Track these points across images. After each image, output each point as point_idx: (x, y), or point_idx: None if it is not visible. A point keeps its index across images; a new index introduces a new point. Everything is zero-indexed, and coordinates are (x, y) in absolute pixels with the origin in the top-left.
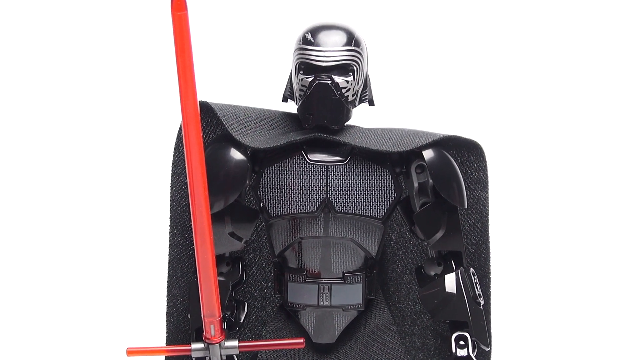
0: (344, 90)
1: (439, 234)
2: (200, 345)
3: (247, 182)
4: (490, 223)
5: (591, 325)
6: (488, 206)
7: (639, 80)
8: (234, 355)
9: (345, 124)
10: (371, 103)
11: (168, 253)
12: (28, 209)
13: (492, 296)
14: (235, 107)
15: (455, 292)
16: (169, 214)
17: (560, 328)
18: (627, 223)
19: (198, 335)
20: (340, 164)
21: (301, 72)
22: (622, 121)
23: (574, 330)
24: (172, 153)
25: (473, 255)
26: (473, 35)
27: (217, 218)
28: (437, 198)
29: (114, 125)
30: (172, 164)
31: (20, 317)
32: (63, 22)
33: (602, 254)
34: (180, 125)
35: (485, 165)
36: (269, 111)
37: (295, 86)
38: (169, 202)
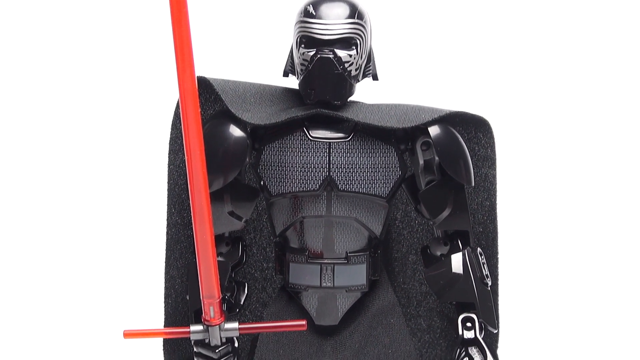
0: (346, 65)
1: (445, 213)
2: (199, 328)
3: (247, 159)
4: (498, 201)
5: (602, 308)
6: (496, 184)
7: None
8: (234, 338)
9: (348, 100)
10: (375, 78)
11: (166, 233)
12: (24, 191)
13: (499, 277)
14: (234, 82)
15: (462, 272)
16: (166, 192)
17: (571, 309)
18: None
19: (197, 317)
20: (343, 141)
21: (302, 45)
22: (632, 97)
23: (585, 312)
24: (170, 130)
25: (480, 235)
26: (480, 8)
27: (216, 197)
28: (444, 176)
29: (110, 102)
30: (170, 141)
31: (17, 297)
32: None
33: (614, 231)
34: (178, 102)
35: (493, 142)
36: (269, 86)
37: (296, 60)
38: (167, 180)
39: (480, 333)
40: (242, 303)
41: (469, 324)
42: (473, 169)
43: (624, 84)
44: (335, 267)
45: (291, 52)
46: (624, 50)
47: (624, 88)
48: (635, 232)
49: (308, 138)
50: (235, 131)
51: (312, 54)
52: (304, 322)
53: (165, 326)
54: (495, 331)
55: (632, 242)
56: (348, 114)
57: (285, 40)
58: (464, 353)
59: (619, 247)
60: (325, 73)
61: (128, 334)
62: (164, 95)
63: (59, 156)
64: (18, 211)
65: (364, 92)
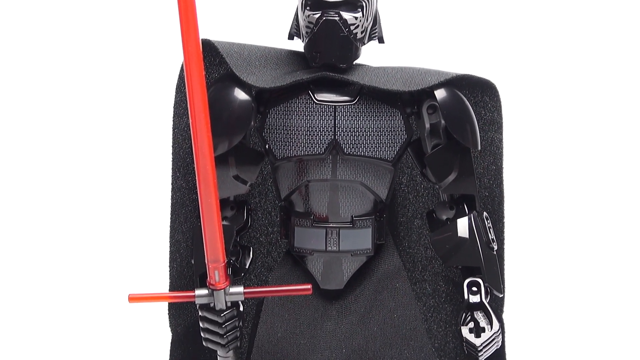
0: (352, 27)
1: (451, 177)
2: (204, 292)
3: (252, 123)
4: (504, 166)
5: (606, 268)
6: (502, 148)
7: None
8: (239, 302)
9: (354, 63)
10: (381, 40)
11: (170, 197)
12: (26, 161)
13: (505, 241)
14: (239, 45)
15: (467, 236)
16: (171, 156)
17: (577, 271)
18: None
19: (202, 281)
20: (349, 104)
21: (308, 8)
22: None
23: (591, 273)
24: (174, 93)
25: (486, 199)
26: None
27: (221, 160)
28: (450, 139)
29: (115, 66)
30: (174, 105)
31: (22, 261)
32: None
33: (620, 193)
34: (182, 65)
35: (500, 106)
36: (275, 49)
37: (301, 23)
38: (171, 144)
39: (486, 297)
40: (247, 267)
41: (474, 289)
42: (479, 132)
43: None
44: (341, 231)
45: (296, 14)
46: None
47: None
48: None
49: (313, 101)
50: (240, 94)
51: (317, 16)
52: (309, 286)
53: (170, 290)
54: (501, 295)
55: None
56: (354, 77)
57: (290, 2)
58: (469, 317)
59: (625, 208)
60: (330, 36)
61: (133, 298)
62: (169, 59)
63: (66, 116)
64: (24, 183)
65: (370, 55)
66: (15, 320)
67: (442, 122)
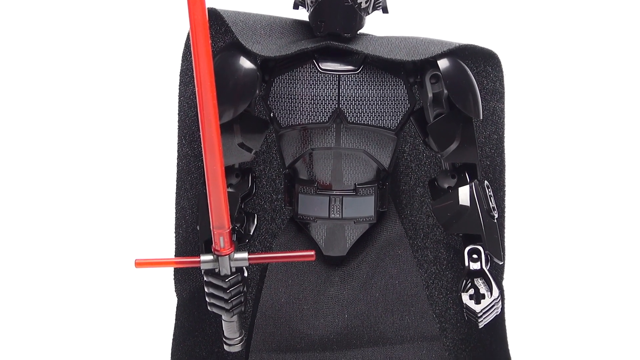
0: None
1: (453, 146)
2: (209, 257)
3: (257, 91)
4: (506, 135)
5: (603, 241)
6: (504, 117)
7: None
8: (244, 268)
9: (358, 32)
10: (385, 10)
11: (176, 164)
12: (30, 142)
13: (506, 209)
14: (244, 14)
15: (469, 204)
16: (177, 124)
17: (577, 239)
18: None
19: (207, 247)
20: (353, 73)
21: None
22: None
23: (590, 242)
24: (180, 62)
25: (488, 168)
26: None
27: (226, 128)
28: (452, 109)
29: (121, 36)
30: (180, 73)
31: (38, 224)
32: None
33: (620, 166)
34: (188, 33)
35: (502, 76)
36: (280, 18)
37: None
38: (177, 112)
39: (486, 265)
40: (251, 234)
41: (475, 256)
42: (481, 102)
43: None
44: (344, 198)
45: None
46: None
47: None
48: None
49: (318, 70)
50: (246, 63)
51: None
52: (312, 253)
53: (176, 256)
54: (501, 263)
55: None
56: (358, 46)
57: None
58: (469, 284)
59: (626, 175)
60: (335, 5)
61: (140, 264)
62: (175, 27)
63: (76, 85)
64: (34, 155)
65: (374, 25)
66: (27, 288)
67: (445, 91)
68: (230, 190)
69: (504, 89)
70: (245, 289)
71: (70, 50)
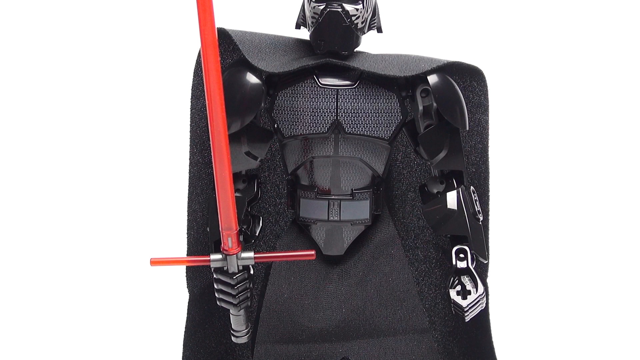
0: (353, 18)
1: (442, 154)
2: (218, 256)
3: (262, 104)
4: (490, 144)
5: (581, 242)
6: (488, 129)
7: None
8: (250, 266)
9: (355, 50)
10: (379, 30)
11: (188, 170)
12: (48, 140)
13: (490, 212)
14: (251, 33)
15: (456, 208)
16: (189, 134)
17: (556, 239)
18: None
19: (216, 247)
20: (350, 88)
21: (313, 0)
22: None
23: (568, 242)
24: (192, 77)
25: (473, 175)
26: None
27: (234, 138)
28: (441, 120)
29: (139, 53)
30: (192, 87)
31: (45, 233)
32: None
33: (598, 168)
34: (200, 51)
35: (486, 90)
36: (283, 37)
37: (307, 14)
38: (189, 122)
39: (472, 263)
40: (257, 234)
41: (461, 255)
42: (467, 114)
43: (613, 30)
44: (342, 202)
45: (303, 5)
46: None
47: (612, 34)
48: (617, 175)
49: (318, 85)
50: (252, 78)
51: (322, 7)
52: (312, 252)
53: (188, 255)
54: (486, 262)
55: (612, 185)
56: (355, 63)
57: None
58: (457, 281)
59: (602, 183)
60: (334, 25)
61: (155, 262)
62: (187, 45)
63: (97, 97)
64: (51, 167)
65: (369, 43)
66: (45, 286)
67: (434, 104)
68: (237, 194)
69: (488, 103)
70: (251, 285)
71: (96, 67)
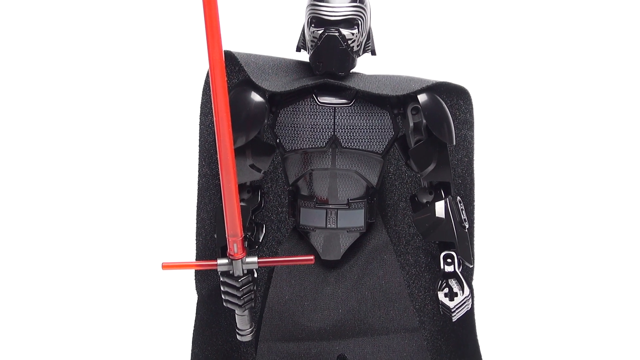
0: (349, 42)
1: (431, 167)
2: (225, 261)
3: (265, 121)
4: (475, 158)
5: (560, 248)
6: (473, 143)
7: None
8: (254, 270)
9: (351, 71)
10: (373, 53)
11: (197, 182)
12: (65, 147)
13: (475, 221)
14: (255, 55)
15: (444, 217)
16: (197, 148)
17: (537, 245)
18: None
19: (223, 252)
20: (346, 106)
21: (313, 25)
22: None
23: (550, 246)
24: (201, 96)
25: (460, 186)
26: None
27: (239, 152)
28: (430, 136)
29: (152, 73)
30: (201, 105)
31: (58, 235)
32: None
33: (577, 176)
34: (208, 72)
35: (472, 108)
36: (285, 59)
37: (307, 38)
38: (198, 137)
39: (459, 267)
40: (260, 241)
41: (449, 260)
42: (454, 130)
43: (585, 53)
44: (339, 211)
45: (303, 30)
46: (588, 20)
47: (585, 56)
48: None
49: (317, 103)
50: (256, 97)
51: (320, 32)
52: (312, 257)
53: (196, 260)
54: (471, 266)
55: (588, 189)
56: (351, 83)
57: (297, 20)
58: (444, 284)
59: (577, 191)
60: (331, 49)
61: (166, 266)
62: (196, 67)
63: (112, 111)
64: (66, 170)
65: (364, 65)
66: (63, 286)
67: (424, 121)
68: (242, 204)
69: (473, 119)
70: (255, 287)
71: (114, 86)
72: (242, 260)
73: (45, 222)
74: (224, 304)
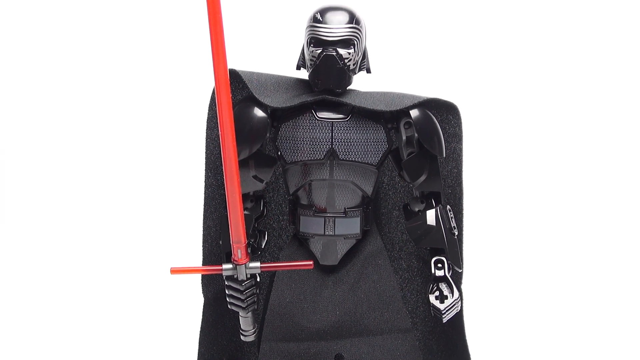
0: (346, 61)
1: (422, 178)
2: (229, 266)
3: (268, 134)
4: (463, 169)
5: (542, 256)
6: (462, 156)
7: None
8: (257, 274)
9: (347, 88)
10: (368, 71)
11: (203, 192)
12: (76, 155)
13: (464, 228)
14: (258, 73)
15: (434, 224)
16: (204, 160)
17: (522, 253)
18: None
19: (228, 257)
20: (343, 121)
21: (312, 45)
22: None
23: (536, 251)
24: (207, 111)
25: (449, 195)
26: (446, 20)
27: (243, 164)
28: (421, 149)
29: (163, 90)
30: (207, 120)
31: (72, 240)
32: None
33: (552, 196)
34: (213, 89)
35: (461, 123)
36: (286, 77)
37: (306, 57)
38: (204, 150)
39: (449, 272)
40: (262, 247)
41: (439, 265)
42: (444, 143)
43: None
44: (336, 219)
45: (302, 50)
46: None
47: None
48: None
49: (315, 118)
50: (258, 112)
51: (319, 52)
52: (311, 262)
53: (203, 265)
54: (460, 270)
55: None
56: (347, 99)
57: (297, 41)
58: (435, 287)
59: (559, 204)
60: (329, 67)
61: (174, 271)
62: (203, 84)
63: (126, 127)
64: (83, 182)
65: (360, 82)
66: (79, 287)
67: (415, 135)
68: (246, 212)
69: (462, 133)
70: (257, 291)
71: (128, 103)
72: (245, 266)
73: (63, 231)
74: (229, 306)
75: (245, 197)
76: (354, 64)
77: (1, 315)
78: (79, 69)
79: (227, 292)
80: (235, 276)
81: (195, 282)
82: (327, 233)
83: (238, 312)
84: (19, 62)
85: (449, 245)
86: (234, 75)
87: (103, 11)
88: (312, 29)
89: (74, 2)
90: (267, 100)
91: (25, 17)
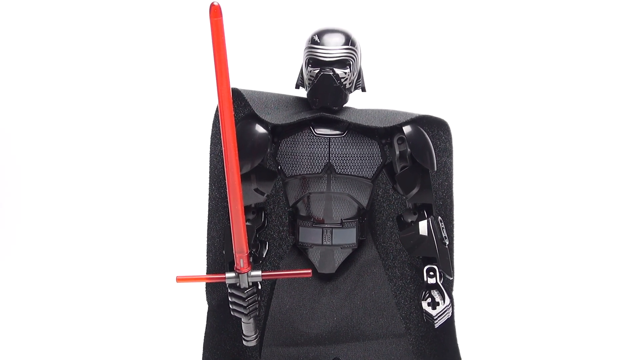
0: (342, 80)
1: (415, 190)
2: (232, 274)
3: (268, 150)
4: (454, 182)
5: (528, 264)
6: (452, 169)
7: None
8: (258, 282)
9: (344, 106)
10: (363, 89)
11: (208, 204)
12: (85, 167)
13: (455, 238)
14: (259, 92)
15: (427, 234)
16: (208, 174)
17: (511, 261)
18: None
19: (231, 266)
20: (340, 136)
21: (310, 65)
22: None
23: (524, 259)
24: (211, 127)
25: (440, 207)
26: (431, 38)
27: (245, 177)
28: (414, 163)
29: (170, 108)
30: (211, 136)
31: (79, 245)
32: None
33: (539, 208)
34: (217, 107)
35: (451, 138)
36: (285, 95)
37: (305, 76)
38: (209, 164)
39: (440, 279)
40: (264, 256)
41: (431, 273)
42: (435, 157)
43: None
44: (333, 230)
45: (301, 70)
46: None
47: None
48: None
49: (313, 134)
50: (260, 129)
51: (317, 71)
52: (309, 271)
53: (207, 273)
54: (451, 278)
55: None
56: (343, 116)
57: (296, 61)
58: (428, 294)
59: (545, 210)
60: (326, 86)
61: (180, 279)
62: (207, 102)
63: (135, 142)
64: (86, 176)
65: (356, 100)
66: (90, 295)
67: (408, 150)
68: (248, 223)
69: (452, 148)
70: (259, 298)
71: (137, 119)
72: (247, 274)
73: (71, 240)
74: (232, 313)
75: (247, 209)
76: (349, 83)
77: (7, 323)
78: (86, 85)
79: (230, 299)
80: (238, 284)
81: (199, 290)
82: (325, 243)
83: (240, 319)
84: (31, 74)
85: (440, 254)
86: (237, 94)
87: (108, 28)
88: (310, 50)
89: (78, 21)
90: (267, 118)
91: (37, 29)
